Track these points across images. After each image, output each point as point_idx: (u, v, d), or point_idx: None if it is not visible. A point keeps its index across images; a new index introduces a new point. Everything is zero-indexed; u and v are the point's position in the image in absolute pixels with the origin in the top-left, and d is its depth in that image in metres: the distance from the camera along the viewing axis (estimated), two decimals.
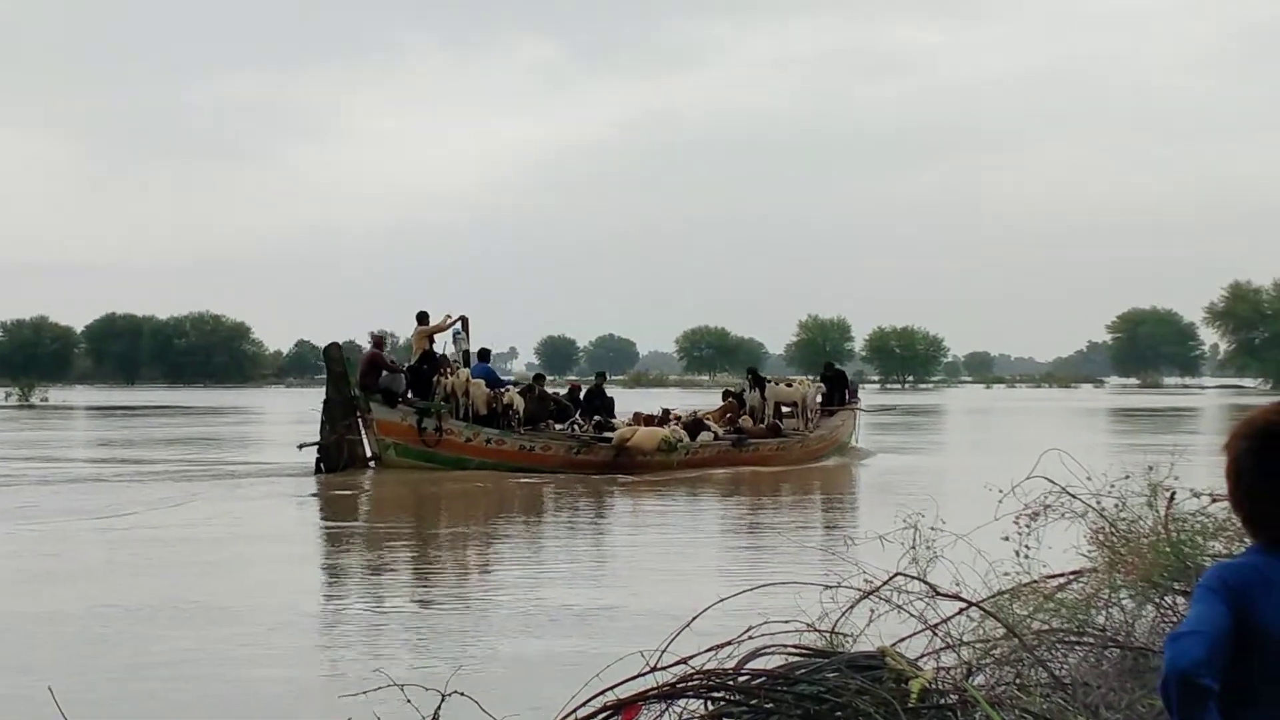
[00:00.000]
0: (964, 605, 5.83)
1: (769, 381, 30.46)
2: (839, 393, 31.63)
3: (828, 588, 6.08)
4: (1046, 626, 5.78)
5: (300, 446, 25.56)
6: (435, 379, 25.36)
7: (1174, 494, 6.18)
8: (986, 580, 6.09)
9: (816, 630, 5.85)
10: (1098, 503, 6.33)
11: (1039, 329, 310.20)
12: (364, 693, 5.60)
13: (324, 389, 26.06)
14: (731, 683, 5.28)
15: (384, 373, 25.39)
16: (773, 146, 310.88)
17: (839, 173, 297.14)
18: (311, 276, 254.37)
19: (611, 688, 5.31)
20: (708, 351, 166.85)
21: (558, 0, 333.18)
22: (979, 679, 5.41)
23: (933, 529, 6.17)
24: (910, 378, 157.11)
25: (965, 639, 5.70)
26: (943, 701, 5.10)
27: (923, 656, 5.65)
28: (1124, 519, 6.23)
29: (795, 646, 5.63)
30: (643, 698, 5.23)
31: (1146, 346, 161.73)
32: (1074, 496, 6.35)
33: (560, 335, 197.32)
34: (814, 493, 23.63)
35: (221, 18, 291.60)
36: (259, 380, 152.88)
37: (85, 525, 17.52)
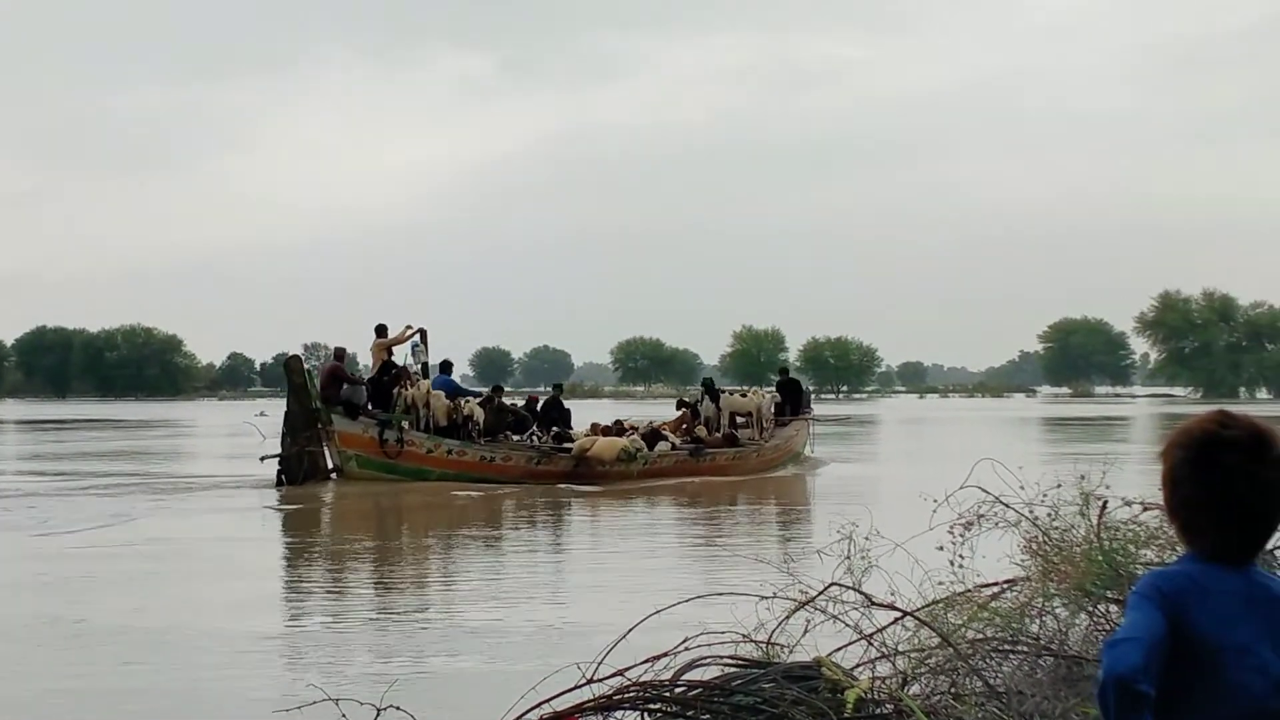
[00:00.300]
0: (899, 615, 5.85)
1: (724, 393, 30.64)
2: (792, 402, 31.77)
3: (764, 598, 6.09)
4: (981, 635, 5.82)
5: (262, 459, 25.30)
6: (396, 391, 25.32)
7: (1106, 503, 6.25)
8: (921, 589, 6.12)
9: (753, 641, 5.86)
10: (1031, 512, 6.38)
11: (971, 339, 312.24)
12: (299, 707, 5.54)
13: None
14: (668, 694, 5.27)
15: (345, 385, 25.31)
16: (702, 158, 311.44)
17: (769, 183, 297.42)
18: (242, 289, 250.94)
19: (548, 700, 5.28)
20: (643, 363, 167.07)
21: (483, 13, 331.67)
22: (914, 688, 5.43)
23: (868, 538, 6.19)
24: (844, 388, 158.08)
25: (900, 648, 5.72)
26: (878, 711, 5.12)
27: (858, 666, 5.67)
28: (1057, 528, 6.28)
29: (732, 657, 5.62)
30: (579, 710, 5.21)
31: (1078, 356, 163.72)
32: (1007, 505, 6.40)
33: (495, 347, 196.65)
34: (767, 502, 23.74)
35: (144, 30, 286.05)
36: (191, 393, 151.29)
37: (52, 541, 17.11)
